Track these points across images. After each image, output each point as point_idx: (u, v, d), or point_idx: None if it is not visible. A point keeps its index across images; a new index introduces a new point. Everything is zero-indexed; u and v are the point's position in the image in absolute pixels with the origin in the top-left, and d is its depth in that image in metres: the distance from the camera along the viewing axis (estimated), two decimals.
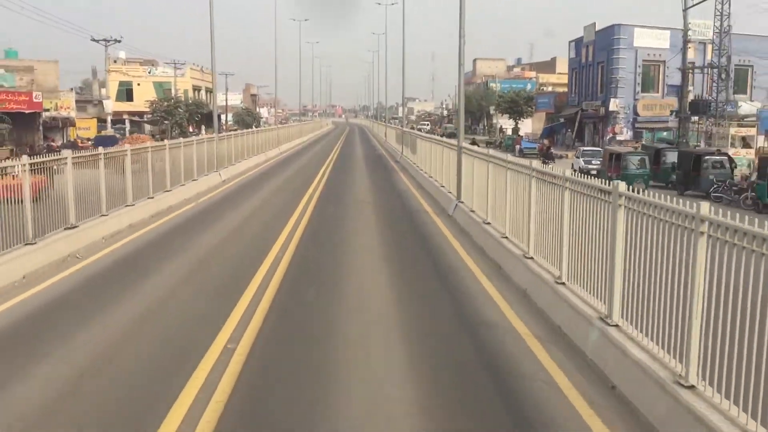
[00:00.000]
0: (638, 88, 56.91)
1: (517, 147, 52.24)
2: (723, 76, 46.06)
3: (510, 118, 79.29)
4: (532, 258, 11.41)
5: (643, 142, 45.86)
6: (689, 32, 48.90)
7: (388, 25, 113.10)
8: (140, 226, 17.87)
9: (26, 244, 12.67)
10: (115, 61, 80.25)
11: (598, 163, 36.00)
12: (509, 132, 74.60)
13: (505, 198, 13.63)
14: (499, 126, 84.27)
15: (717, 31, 46.81)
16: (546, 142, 53.97)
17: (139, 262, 14.20)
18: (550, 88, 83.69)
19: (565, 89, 72.00)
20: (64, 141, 50.97)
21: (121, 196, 18.06)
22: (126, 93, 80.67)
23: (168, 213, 20.33)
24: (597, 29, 60.41)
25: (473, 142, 48.30)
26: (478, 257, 14.21)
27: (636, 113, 56.53)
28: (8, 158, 14.73)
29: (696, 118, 48.20)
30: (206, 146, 28.60)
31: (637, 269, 7.30)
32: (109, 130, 61.82)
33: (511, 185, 13.20)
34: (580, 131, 61.41)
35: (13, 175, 12.87)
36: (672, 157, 32.50)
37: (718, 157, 29.98)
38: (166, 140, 26.86)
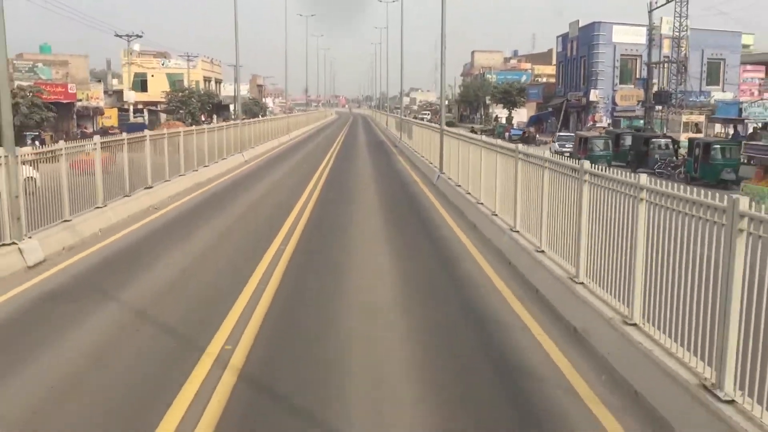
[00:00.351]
0: (616, 80, 62.26)
1: (506, 134, 57.56)
2: (681, 69, 51.28)
3: (504, 107, 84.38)
4: (482, 203, 16.57)
5: (608, 128, 51.57)
6: (662, 28, 53.85)
7: (391, 17, 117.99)
8: (193, 191, 22.98)
9: (96, 207, 16.31)
10: (130, 54, 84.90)
11: (571, 146, 40.98)
12: (503, 121, 79.66)
13: (468, 163, 18.88)
14: (494, 115, 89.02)
15: (676, 29, 52.15)
16: (532, 129, 59.45)
17: (202, 211, 19.30)
18: (544, 79, 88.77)
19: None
20: (95, 128, 56.40)
21: (175, 168, 23.19)
22: (141, 84, 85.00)
23: (208, 184, 25.23)
24: (580, 26, 65.51)
25: (472, 130, 54.34)
26: (447, 206, 19.61)
27: (614, 103, 61.76)
28: (54, 143, 17.40)
29: (659, 107, 53.26)
30: (232, 131, 33.76)
31: (600, 233, 8.55)
32: (138, 118, 67.41)
33: (473, 156, 18.36)
34: (565, 119, 66.11)
35: (87, 153, 16.75)
36: (628, 140, 37.96)
37: (663, 140, 35.53)
38: (205, 125, 32.23)
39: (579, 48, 65.85)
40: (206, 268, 12.89)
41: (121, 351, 8.38)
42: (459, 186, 20.47)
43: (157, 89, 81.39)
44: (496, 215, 14.77)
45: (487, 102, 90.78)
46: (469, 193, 18.65)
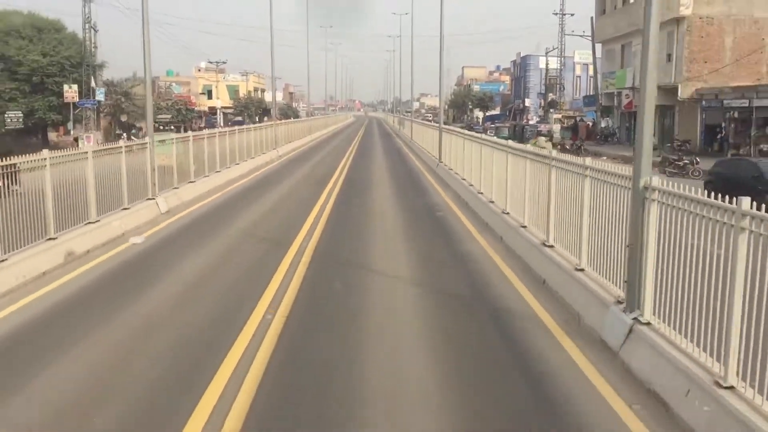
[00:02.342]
0: (542, 93, 66.09)
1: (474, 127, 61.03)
2: (561, 88, 60.07)
3: (481, 110, 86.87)
4: (465, 179, 18.11)
5: (515, 122, 58.32)
6: (575, 57, 58.68)
7: (404, 27, 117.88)
8: (257, 170, 24.92)
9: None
10: (199, 70, 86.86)
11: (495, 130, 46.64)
12: (480, 120, 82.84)
13: (462, 154, 20.81)
14: (475, 117, 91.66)
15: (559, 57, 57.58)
16: (488, 124, 62.17)
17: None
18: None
19: None
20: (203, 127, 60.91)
21: (248, 153, 25.11)
22: (208, 93, 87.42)
23: (265, 166, 26.92)
24: (521, 56, 70.22)
25: (462, 128, 59.08)
26: (439, 183, 21.41)
27: (540, 107, 65.72)
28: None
29: (552, 109, 59.00)
30: (293, 125, 35.84)
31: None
32: (238, 118, 70.99)
33: (468, 148, 20.29)
34: (514, 118, 69.31)
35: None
36: (520, 129, 44.84)
37: (528, 126, 44.16)
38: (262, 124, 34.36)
39: (521, 71, 70.30)
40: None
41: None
42: (451, 169, 22.27)
43: (220, 97, 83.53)
44: (471, 184, 16.92)
45: (470, 107, 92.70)
46: (457, 174, 20.00)
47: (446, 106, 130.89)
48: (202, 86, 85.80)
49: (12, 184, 9.00)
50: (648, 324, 5.79)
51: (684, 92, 31.20)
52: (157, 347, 6.44)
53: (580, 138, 39.86)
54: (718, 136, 29.18)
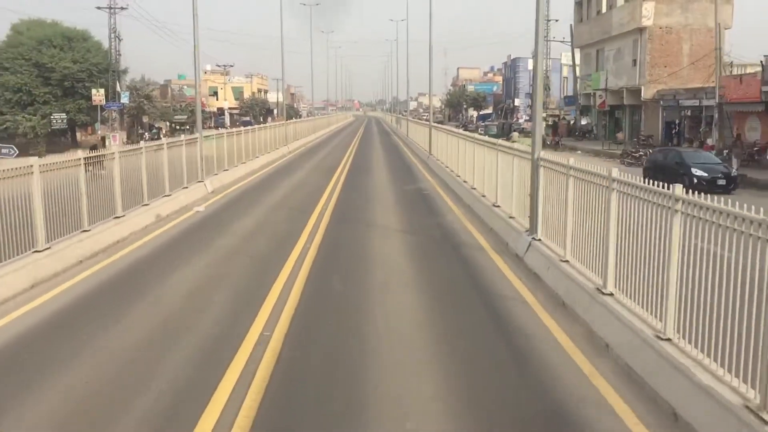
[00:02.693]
0: (529, 93, 69.74)
1: (468, 125, 64.28)
2: (547, 88, 61.61)
3: (475, 110, 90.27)
4: (448, 167, 22.26)
5: (503, 120, 61.46)
6: (561, 59, 61.89)
7: (402, 27, 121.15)
8: (271, 163, 28.84)
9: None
10: (205, 72, 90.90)
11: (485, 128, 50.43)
12: (474, 119, 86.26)
13: (455, 150, 24.61)
14: (469, 116, 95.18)
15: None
16: (479, 123, 65.66)
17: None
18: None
19: None
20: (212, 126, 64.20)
21: (264, 148, 28.94)
22: (214, 94, 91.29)
23: (279, 159, 31.06)
24: (512, 59, 73.89)
25: (457, 126, 62.45)
26: (427, 171, 25.30)
27: (530, 107, 69.10)
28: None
29: None
30: (284, 128, 39.40)
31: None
32: (245, 118, 74.78)
33: (461, 145, 24.13)
34: (504, 118, 72.80)
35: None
36: (508, 126, 48.61)
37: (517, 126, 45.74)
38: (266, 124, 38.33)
39: (511, 72, 73.86)
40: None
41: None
42: (439, 160, 26.19)
43: (225, 98, 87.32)
44: (453, 171, 20.74)
45: (465, 106, 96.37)
46: (447, 167, 24.31)
47: (443, 106, 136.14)
48: (208, 88, 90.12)
49: (101, 169, 12.83)
50: (540, 240, 9.72)
51: (646, 93, 35.24)
52: (239, 262, 10.36)
53: (558, 135, 43.88)
54: (674, 131, 33.13)
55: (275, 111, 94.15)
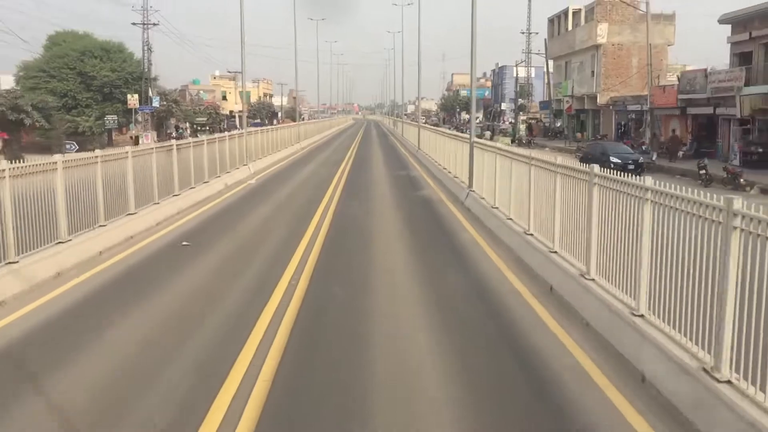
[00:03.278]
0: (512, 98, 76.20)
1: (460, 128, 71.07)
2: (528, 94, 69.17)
3: (467, 113, 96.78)
4: (428, 154, 28.34)
5: (488, 123, 67.81)
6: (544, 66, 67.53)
7: (400, 34, 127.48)
8: (289, 156, 34.81)
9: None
10: (214, 77, 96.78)
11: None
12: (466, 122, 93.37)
13: (436, 144, 30.67)
14: (462, 119, 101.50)
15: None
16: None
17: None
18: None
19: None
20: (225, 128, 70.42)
21: (279, 145, 34.93)
22: (223, 98, 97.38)
23: (294, 154, 37.03)
24: (499, 66, 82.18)
25: (450, 128, 69.24)
26: (416, 161, 31.42)
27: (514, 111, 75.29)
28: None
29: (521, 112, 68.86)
30: (297, 129, 45.52)
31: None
32: (256, 120, 79.78)
33: (439, 139, 30.17)
34: (492, 120, 79.20)
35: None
36: (492, 128, 54.49)
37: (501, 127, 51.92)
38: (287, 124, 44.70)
39: (498, 79, 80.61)
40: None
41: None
42: (428, 155, 32.21)
43: (234, 102, 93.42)
44: (432, 157, 26.71)
45: (458, 110, 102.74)
46: (437, 162, 30.29)
47: (438, 109, 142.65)
48: (220, 92, 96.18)
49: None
50: (473, 191, 15.89)
51: (601, 99, 41.70)
52: (287, 211, 16.50)
53: (532, 135, 50.18)
54: (621, 131, 39.30)
55: (279, 114, 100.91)
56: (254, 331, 6.59)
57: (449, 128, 52.67)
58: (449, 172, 20.59)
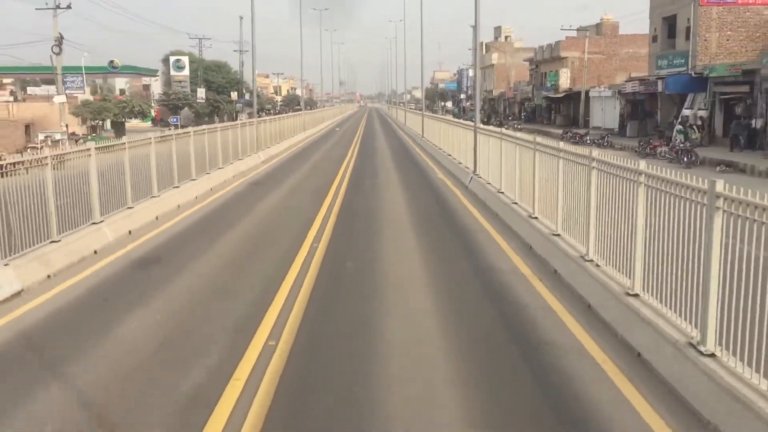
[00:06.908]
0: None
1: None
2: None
3: (443, 103, 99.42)
4: (430, 141, 26.48)
5: (455, 109, 72.61)
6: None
7: (400, 22, 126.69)
8: (312, 135, 34.45)
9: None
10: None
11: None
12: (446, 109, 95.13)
13: (423, 124, 29.87)
14: (442, 106, 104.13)
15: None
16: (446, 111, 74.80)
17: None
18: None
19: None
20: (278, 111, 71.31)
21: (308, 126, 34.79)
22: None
23: (309, 137, 36.41)
24: (460, 68, 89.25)
25: (435, 113, 71.74)
26: (414, 143, 29.91)
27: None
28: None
29: (470, 103, 70.33)
30: (312, 114, 46.17)
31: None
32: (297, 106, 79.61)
33: (443, 126, 29.26)
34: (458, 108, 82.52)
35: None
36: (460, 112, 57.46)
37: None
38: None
39: (460, 77, 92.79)
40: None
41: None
42: (424, 137, 30.30)
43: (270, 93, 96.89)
44: (436, 144, 25.71)
45: (437, 100, 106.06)
46: (438, 145, 28.82)
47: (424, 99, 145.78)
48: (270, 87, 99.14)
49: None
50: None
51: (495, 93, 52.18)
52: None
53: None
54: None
55: (302, 103, 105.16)
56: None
57: (435, 112, 55.53)
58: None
